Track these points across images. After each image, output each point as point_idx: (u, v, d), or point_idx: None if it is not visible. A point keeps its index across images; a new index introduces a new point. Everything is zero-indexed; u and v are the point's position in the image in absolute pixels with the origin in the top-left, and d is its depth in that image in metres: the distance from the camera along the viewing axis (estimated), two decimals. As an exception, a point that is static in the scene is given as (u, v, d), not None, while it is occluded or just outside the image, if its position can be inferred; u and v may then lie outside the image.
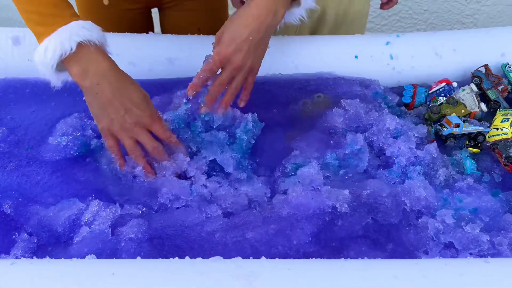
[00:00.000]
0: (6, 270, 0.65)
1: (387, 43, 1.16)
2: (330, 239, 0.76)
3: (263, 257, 0.69)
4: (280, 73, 1.14)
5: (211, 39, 1.16)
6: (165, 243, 0.76)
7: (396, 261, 0.70)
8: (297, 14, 0.95)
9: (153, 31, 1.34)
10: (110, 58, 0.86)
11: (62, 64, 0.84)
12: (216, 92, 0.89)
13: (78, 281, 0.63)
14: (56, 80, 0.86)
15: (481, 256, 0.77)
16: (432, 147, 0.92)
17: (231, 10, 2.09)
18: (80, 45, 0.81)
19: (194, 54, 1.07)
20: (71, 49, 0.81)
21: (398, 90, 1.14)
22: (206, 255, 0.72)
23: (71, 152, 0.90)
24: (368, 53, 1.15)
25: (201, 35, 1.18)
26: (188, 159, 0.87)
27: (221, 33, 0.87)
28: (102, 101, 0.83)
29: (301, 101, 1.08)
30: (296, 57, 1.17)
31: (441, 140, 1.00)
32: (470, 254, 0.77)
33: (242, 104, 0.95)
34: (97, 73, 0.82)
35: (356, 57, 1.15)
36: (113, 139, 0.86)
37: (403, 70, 1.16)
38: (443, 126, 0.99)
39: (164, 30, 1.38)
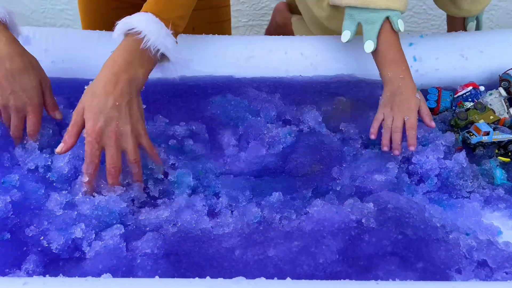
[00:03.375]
0: (18, 291, 0.61)
1: (410, 44, 1.11)
2: (357, 257, 0.72)
3: (288, 278, 0.65)
4: (300, 75, 1.10)
5: (208, 38, 1.13)
6: (182, 259, 0.72)
7: (431, 284, 0.65)
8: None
9: None
10: (12, 38, 0.87)
11: None
12: (116, 175, 0.79)
13: (94, 305, 0.59)
14: None
15: (516, 276, 0.73)
16: (461, 156, 0.88)
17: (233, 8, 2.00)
18: None
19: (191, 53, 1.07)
20: None
21: (422, 93, 1.09)
22: (226, 274, 0.69)
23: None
24: (391, 55, 1.10)
25: (197, 34, 1.14)
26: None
27: (82, 109, 0.79)
28: None
29: (321, 105, 1.03)
30: (314, 59, 1.12)
31: (469, 148, 0.95)
32: (506, 273, 0.72)
33: (162, 172, 0.85)
34: None
35: (378, 58, 1.10)
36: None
37: (427, 72, 1.11)
38: (471, 134, 0.94)
39: None
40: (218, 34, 1.17)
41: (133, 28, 0.81)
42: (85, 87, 0.82)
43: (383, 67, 0.95)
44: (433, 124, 0.90)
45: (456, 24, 1.23)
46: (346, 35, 0.98)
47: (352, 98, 1.04)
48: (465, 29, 1.22)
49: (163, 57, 0.85)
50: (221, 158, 0.91)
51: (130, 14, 1.28)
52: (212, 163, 0.90)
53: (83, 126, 0.80)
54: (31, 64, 0.88)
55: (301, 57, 1.12)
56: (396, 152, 0.88)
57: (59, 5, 2.39)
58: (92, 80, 0.82)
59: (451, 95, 1.06)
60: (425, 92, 1.08)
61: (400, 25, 0.95)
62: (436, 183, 0.87)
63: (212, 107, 0.99)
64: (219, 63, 1.12)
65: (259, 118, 0.96)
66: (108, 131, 0.78)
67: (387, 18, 0.94)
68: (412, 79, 0.93)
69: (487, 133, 0.93)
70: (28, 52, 0.89)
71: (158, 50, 0.82)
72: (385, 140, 0.89)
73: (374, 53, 0.97)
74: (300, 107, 0.99)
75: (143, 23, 0.82)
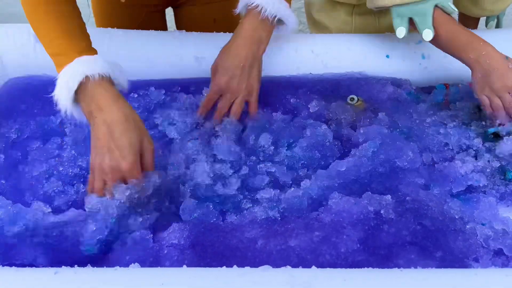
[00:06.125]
0: (50, 279, 0.62)
1: (419, 42, 1.13)
2: (377, 247, 0.74)
3: (313, 267, 0.67)
4: (310, 73, 1.12)
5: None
6: (207, 250, 0.74)
7: (454, 271, 0.67)
8: (284, 31, 1.03)
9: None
10: (117, 95, 0.84)
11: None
12: (220, 115, 0.98)
13: (127, 292, 0.61)
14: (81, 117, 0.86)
15: (532, 264, 0.75)
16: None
17: None
18: (83, 82, 0.82)
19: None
20: (74, 87, 0.82)
21: (429, 90, 1.11)
22: (251, 263, 0.70)
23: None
24: (400, 52, 1.13)
25: (225, 33, 1.15)
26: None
27: (216, 65, 0.97)
28: (94, 137, 0.82)
29: (333, 103, 1.05)
30: (325, 56, 1.14)
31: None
32: (521, 261, 0.75)
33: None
34: (96, 108, 0.82)
35: (387, 56, 1.13)
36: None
37: (436, 70, 1.13)
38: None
39: (179, 26, 1.36)
40: None
41: (252, 3, 0.96)
42: (222, 48, 0.98)
43: (461, 53, 0.96)
44: None
45: (469, 23, 1.24)
46: (401, 32, 1.01)
47: (363, 95, 1.06)
48: (475, 28, 1.23)
49: (279, 22, 1.00)
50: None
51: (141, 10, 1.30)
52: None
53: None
54: (135, 122, 0.83)
55: (311, 55, 1.14)
56: None
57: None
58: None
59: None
60: (433, 88, 1.10)
61: (453, 6, 0.97)
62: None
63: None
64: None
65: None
66: (229, 85, 0.95)
67: (436, 6, 0.97)
68: (495, 50, 0.93)
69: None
70: (133, 110, 0.85)
71: (275, 16, 0.97)
72: (501, 119, 0.92)
73: (440, 43, 0.99)
74: (315, 103, 1.02)
75: None
